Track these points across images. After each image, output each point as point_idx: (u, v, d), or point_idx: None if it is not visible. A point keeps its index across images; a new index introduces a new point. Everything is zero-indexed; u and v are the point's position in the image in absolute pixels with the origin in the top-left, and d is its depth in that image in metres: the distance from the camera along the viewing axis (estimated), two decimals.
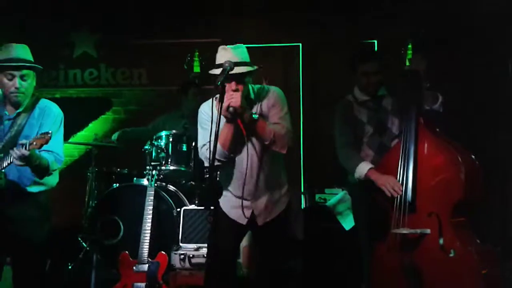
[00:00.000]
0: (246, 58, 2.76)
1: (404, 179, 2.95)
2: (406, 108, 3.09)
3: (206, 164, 2.81)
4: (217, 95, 2.68)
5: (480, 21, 4.34)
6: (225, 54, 2.69)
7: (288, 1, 5.20)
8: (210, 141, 2.61)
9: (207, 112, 2.79)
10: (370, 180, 3.12)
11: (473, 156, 2.91)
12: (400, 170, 2.97)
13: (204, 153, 2.79)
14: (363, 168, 3.17)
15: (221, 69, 2.62)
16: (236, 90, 2.64)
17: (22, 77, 2.93)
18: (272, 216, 2.87)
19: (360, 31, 5.26)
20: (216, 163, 2.67)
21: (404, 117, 3.09)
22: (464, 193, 2.79)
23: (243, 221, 2.86)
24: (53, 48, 5.55)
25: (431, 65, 3.04)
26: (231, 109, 2.60)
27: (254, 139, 2.79)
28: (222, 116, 2.60)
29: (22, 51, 2.99)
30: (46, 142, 2.71)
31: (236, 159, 2.82)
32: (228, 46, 2.74)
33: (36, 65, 3.00)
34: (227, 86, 2.65)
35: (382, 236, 3.02)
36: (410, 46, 5.03)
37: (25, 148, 2.68)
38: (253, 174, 2.81)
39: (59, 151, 3.00)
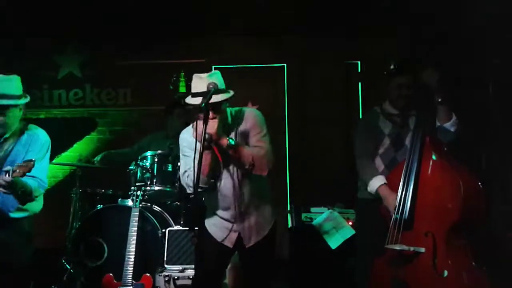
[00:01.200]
0: (222, 84, 2.74)
1: (404, 196, 2.96)
2: (416, 126, 3.09)
3: (188, 191, 2.81)
4: (195, 122, 2.66)
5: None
6: (201, 82, 2.67)
7: (273, 22, 5.26)
8: (192, 168, 2.57)
9: (187, 139, 2.79)
10: (378, 198, 3.12)
11: (477, 181, 2.89)
12: (400, 187, 2.98)
13: (185, 180, 2.79)
14: (376, 183, 3.16)
15: (196, 99, 2.63)
16: (214, 118, 2.63)
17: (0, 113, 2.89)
18: (259, 238, 2.86)
19: (345, 52, 5.34)
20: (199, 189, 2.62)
21: (412, 135, 3.10)
22: (461, 216, 2.78)
23: (230, 244, 2.85)
24: (37, 69, 5.56)
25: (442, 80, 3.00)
26: (207, 136, 2.58)
27: (234, 163, 2.79)
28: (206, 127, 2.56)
29: (3, 86, 2.89)
30: (29, 170, 2.69)
31: (219, 183, 2.82)
32: (202, 74, 2.71)
33: (11, 103, 2.89)
34: (200, 116, 2.61)
35: (381, 252, 3.01)
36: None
37: (8, 175, 2.66)
38: (238, 197, 2.80)
39: (43, 177, 2.99)
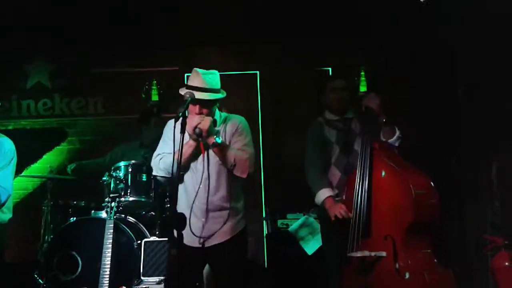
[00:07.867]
0: (216, 84, 2.85)
1: (359, 202, 3.00)
2: (363, 133, 3.20)
3: (154, 173, 2.95)
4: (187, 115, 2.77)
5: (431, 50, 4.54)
6: (196, 77, 2.81)
7: (245, 30, 5.29)
8: (167, 153, 2.72)
9: (172, 128, 2.70)
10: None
11: (428, 180, 2.95)
12: (355, 194, 3.03)
13: (156, 163, 2.91)
14: (322, 195, 3.25)
15: (188, 91, 2.74)
16: (200, 114, 2.75)
17: None
18: (221, 239, 2.86)
19: (315, 59, 5.40)
20: (162, 174, 2.87)
21: (361, 142, 3.17)
22: (415, 217, 2.82)
23: (195, 243, 2.84)
24: (5, 79, 5.43)
25: (388, 99, 3.14)
26: (197, 130, 2.72)
27: (213, 161, 2.84)
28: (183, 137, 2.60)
29: None
30: None
31: (190, 177, 2.87)
32: (201, 70, 2.84)
33: None
34: (192, 108, 2.77)
35: (347, 261, 3.04)
36: (362, 73, 5.24)
37: None
38: (205, 195, 2.82)
39: (7, 185, 2.98)
